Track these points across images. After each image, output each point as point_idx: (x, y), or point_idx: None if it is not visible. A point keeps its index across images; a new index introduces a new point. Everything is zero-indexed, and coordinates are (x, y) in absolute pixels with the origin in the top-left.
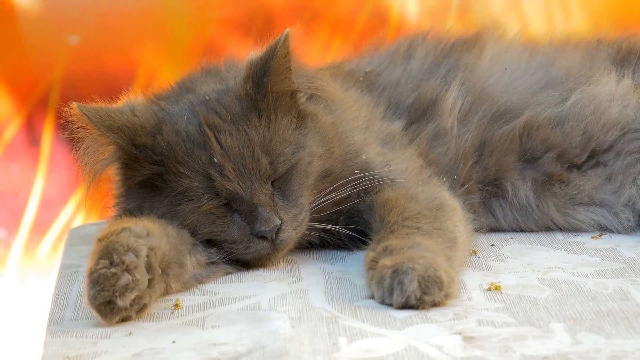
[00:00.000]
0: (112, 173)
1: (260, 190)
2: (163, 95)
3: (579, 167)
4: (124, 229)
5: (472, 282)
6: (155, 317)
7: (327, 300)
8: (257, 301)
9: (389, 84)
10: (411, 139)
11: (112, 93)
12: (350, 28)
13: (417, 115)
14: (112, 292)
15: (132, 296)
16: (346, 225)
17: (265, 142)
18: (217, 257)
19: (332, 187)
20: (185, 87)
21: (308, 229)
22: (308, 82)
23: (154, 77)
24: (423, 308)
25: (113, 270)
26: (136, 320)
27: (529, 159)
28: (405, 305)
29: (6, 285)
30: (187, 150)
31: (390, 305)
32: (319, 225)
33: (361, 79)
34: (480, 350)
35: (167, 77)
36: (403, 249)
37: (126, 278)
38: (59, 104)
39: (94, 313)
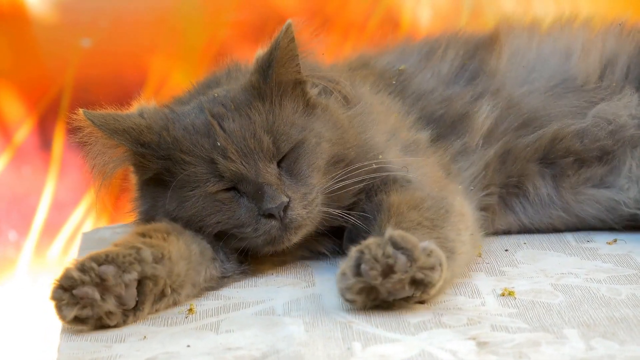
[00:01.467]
0: (130, 181)
1: (265, 169)
2: (178, 100)
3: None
4: (132, 247)
5: (485, 288)
6: (169, 321)
7: (341, 305)
8: (271, 306)
9: (420, 92)
10: (435, 150)
11: (124, 97)
12: (362, 32)
13: (446, 128)
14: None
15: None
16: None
17: (269, 123)
18: (231, 272)
19: (346, 174)
20: (197, 92)
21: (327, 215)
22: (319, 74)
23: (166, 80)
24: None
25: (84, 276)
26: (142, 322)
27: (549, 164)
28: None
29: (17, 286)
30: (192, 140)
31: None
32: (337, 211)
33: (394, 82)
34: (494, 355)
35: (179, 80)
36: None
37: (89, 290)
38: (70, 108)
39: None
